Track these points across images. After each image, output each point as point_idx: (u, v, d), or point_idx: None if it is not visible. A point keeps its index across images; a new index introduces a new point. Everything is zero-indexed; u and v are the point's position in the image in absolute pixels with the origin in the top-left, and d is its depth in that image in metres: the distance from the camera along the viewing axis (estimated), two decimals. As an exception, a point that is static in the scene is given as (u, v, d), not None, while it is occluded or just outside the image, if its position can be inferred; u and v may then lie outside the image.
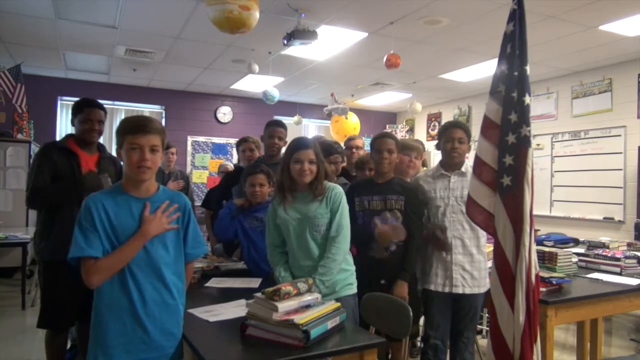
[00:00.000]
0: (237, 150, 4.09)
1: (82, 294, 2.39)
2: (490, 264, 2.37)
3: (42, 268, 2.71)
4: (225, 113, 8.69)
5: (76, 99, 2.85)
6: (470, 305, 2.57)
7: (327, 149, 3.20)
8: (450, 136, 2.65)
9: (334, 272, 2.21)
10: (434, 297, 2.59)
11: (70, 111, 2.78)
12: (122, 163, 1.82)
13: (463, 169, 2.66)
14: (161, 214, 1.71)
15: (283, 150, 3.41)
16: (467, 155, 2.72)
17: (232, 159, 8.23)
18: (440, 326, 2.59)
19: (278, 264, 2.36)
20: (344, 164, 3.68)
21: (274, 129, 3.37)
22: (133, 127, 1.68)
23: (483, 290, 2.58)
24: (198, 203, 5.51)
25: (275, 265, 2.37)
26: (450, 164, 2.68)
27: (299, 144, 2.30)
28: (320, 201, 2.27)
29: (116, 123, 2.27)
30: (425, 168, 3.61)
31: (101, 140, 2.88)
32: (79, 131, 2.73)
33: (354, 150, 3.87)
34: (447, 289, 2.56)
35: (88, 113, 2.69)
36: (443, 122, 8.51)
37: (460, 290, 2.55)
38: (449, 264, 2.57)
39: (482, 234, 2.64)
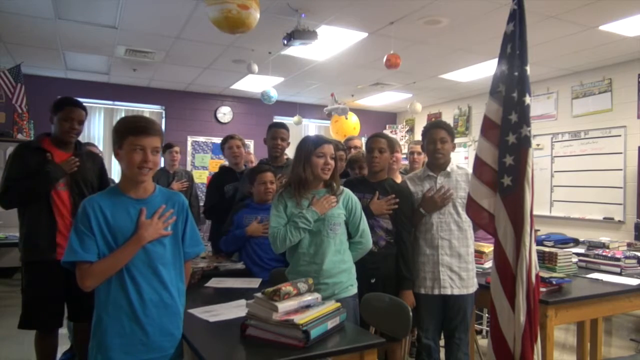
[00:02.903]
0: (222, 149, 3.96)
1: (72, 293, 2.37)
2: (490, 264, 2.37)
3: (22, 269, 2.71)
4: (225, 113, 8.68)
5: (76, 99, 2.86)
6: (460, 306, 2.57)
7: None
8: (432, 137, 2.67)
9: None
10: (422, 298, 2.60)
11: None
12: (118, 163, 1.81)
13: (448, 169, 2.67)
14: (157, 220, 1.70)
15: (287, 151, 3.42)
16: (466, 156, 2.73)
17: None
18: (430, 327, 2.60)
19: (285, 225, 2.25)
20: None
21: (277, 130, 3.38)
22: (136, 128, 1.67)
23: (472, 290, 2.59)
24: (201, 203, 5.51)
25: (285, 230, 2.23)
26: (436, 164, 2.69)
27: (322, 139, 2.31)
28: (337, 200, 2.28)
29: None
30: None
31: (97, 139, 2.89)
32: (57, 129, 2.71)
33: (352, 150, 3.87)
34: (435, 291, 2.57)
35: (69, 112, 2.68)
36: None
37: (448, 292, 2.56)
38: (436, 265, 2.58)
39: (470, 235, 2.66)
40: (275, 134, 3.37)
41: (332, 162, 2.27)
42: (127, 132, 1.67)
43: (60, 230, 2.60)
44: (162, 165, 5.17)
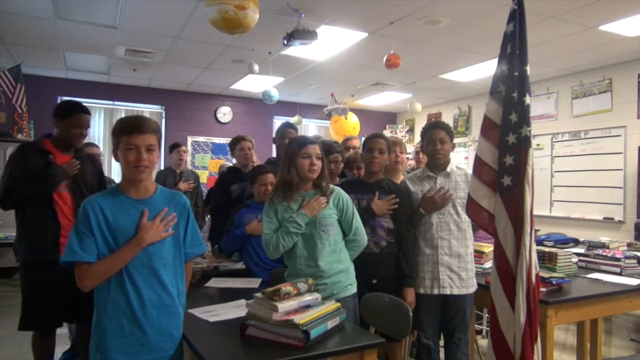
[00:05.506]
0: (233, 149, 4.01)
1: (71, 294, 2.37)
2: (490, 264, 2.37)
3: (21, 270, 2.71)
4: (225, 113, 8.69)
5: (76, 99, 2.87)
6: (459, 306, 2.58)
7: (326, 148, 3.20)
8: (431, 138, 2.67)
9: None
10: (422, 298, 2.60)
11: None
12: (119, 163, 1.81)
13: (448, 169, 2.67)
14: (159, 222, 1.69)
15: None
16: (466, 156, 2.73)
17: (232, 159, 8.23)
18: (429, 327, 2.60)
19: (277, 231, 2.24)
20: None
21: (286, 130, 3.51)
22: (128, 128, 1.66)
23: (471, 290, 2.59)
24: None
25: (277, 236, 2.22)
26: (436, 165, 2.69)
27: (307, 139, 2.31)
28: (327, 201, 2.27)
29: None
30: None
31: (98, 139, 2.90)
32: (64, 134, 2.70)
33: (351, 150, 3.88)
34: (435, 291, 2.57)
35: (79, 119, 2.69)
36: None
37: (447, 292, 2.56)
38: (435, 265, 2.58)
39: (470, 236, 2.66)
40: (284, 135, 3.48)
41: (318, 163, 2.25)
42: (121, 132, 1.67)
43: (65, 230, 2.61)
44: (167, 164, 5.20)
